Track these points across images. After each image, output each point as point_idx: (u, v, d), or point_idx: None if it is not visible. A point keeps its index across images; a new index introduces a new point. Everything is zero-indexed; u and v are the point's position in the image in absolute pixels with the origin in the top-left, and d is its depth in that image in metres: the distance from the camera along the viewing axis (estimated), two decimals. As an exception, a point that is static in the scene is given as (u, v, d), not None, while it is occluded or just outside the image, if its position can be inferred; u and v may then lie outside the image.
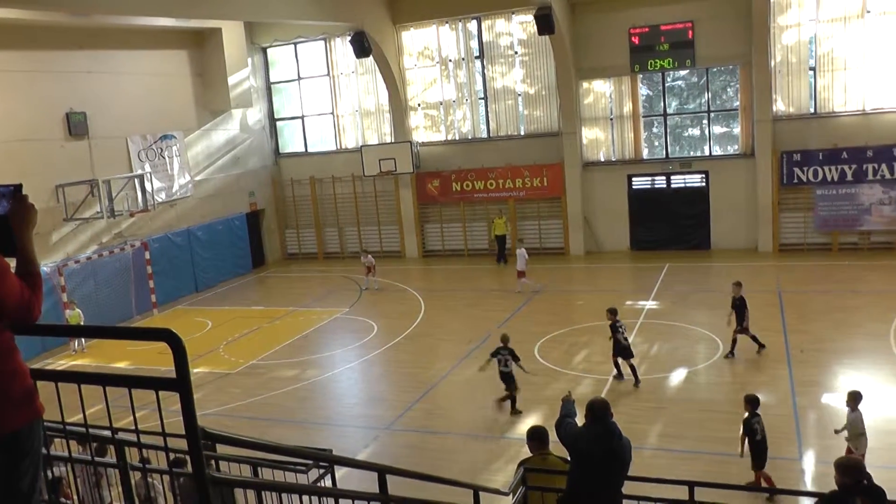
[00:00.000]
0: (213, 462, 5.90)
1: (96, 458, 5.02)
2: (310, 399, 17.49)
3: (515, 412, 15.39)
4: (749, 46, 26.86)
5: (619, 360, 16.66)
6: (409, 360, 19.69)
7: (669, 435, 14.02)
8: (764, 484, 11.45)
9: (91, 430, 3.90)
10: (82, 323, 22.10)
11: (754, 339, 17.44)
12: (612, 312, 16.74)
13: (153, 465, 6.58)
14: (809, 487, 11.65)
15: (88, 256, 24.76)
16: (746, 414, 11.52)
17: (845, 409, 13.27)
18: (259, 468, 7.00)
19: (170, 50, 29.01)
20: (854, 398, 11.40)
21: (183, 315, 25.98)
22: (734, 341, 17.39)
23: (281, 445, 4.82)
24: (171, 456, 4.19)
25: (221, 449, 6.26)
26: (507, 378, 15.52)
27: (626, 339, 16.65)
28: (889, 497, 6.97)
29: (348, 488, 6.86)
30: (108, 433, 4.39)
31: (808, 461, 12.61)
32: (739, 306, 17.26)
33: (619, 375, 16.74)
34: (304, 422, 16.07)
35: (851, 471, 6.73)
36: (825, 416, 14.22)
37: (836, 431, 11.72)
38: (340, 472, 8.65)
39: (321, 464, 7.16)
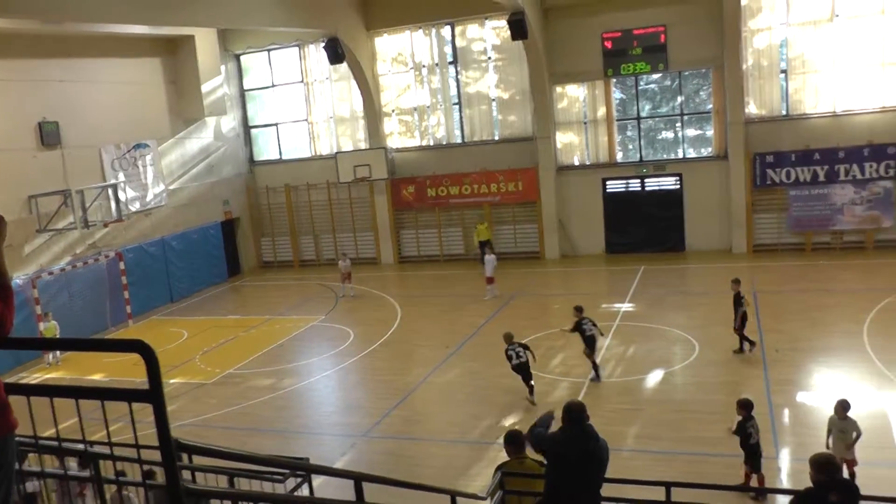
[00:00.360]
0: (189, 473, 5.87)
1: (69, 472, 4.98)
2: (287, 408, 17.41)
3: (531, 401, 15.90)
4: (721, 50, 27.08)
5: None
6: (386, 367, 19.66)
7: (646, 436, 14.08)
8: (754, 483, 11.61)
9: (64, 444, 3.88)
10: (58, 335, 21.95)
11: (742, 339, 17.63)
12: (579, 310, 17.26)
13: (128, 478, 6.54)
14: (786, 484, 11.76)
15: (62, 268, 24.53)
16: (741, 417, 11.62)
17: (819, 406, 13.50)
18: (235, 479, 6.97)
19: (143, 58, 28.84)
20: (843, 407, 11.41)
21: (158, 325, 25.82)
22: (741, 338, 17.60)
23: (256, 455, 4.81)
24: (145, 468, 4.18)
25: (197, 460, 6.24)
26: (524, 368, 15.98)
27: (592, 334, 16.97)
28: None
29: (325, 497, 6.85)
30: (81, 447, 4.36)
31: (784, 459, 12.71)
32: (735, 304, 17.50)
33: (597, 377, 16.89)
34: (281, 431, 16.01)
35: (826, 467, 6.81)
36: (801, 414, 14.40)
37: (828, 447, 11.30)
38: (318, 480, 8.63)
39: (298, 473, 7.15)
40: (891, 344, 17.27)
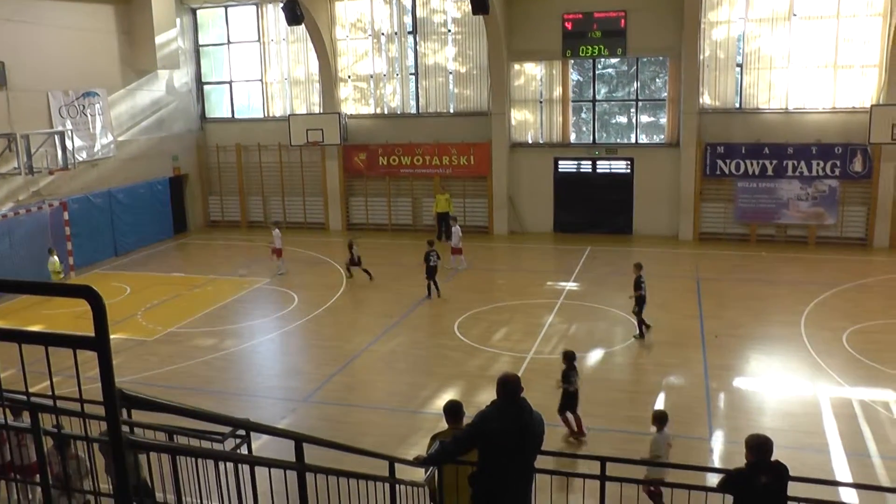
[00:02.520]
0: (126, 428, 5.79)
1: (10, 423, 4.88)
2: (227, 369, 17.30)
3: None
4: (679, 39, 27.30)
5: (431, 283, 21.57)
6: (329, 333, 19.61)
7: (583, 413, 14.22)
8: (574, 426, 13.06)
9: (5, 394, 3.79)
10: (61, 272, 23.27)
11: (640, 324, 18.11)
12: (430, 244, 22.05)
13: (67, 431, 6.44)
14: (717, 465, 12.01)
15: (4, 214, 23.89)
16: (564, 367, 13.11)
17: (755, 391, 13.86)
18: (174, 436, 6.91)
19: (95, 4, 28.07)
20: (658, 418, 10.79)
21: (101, 279, 25.35)
22: (640, 322, 18.11)
23: (199, 410, 4.77)
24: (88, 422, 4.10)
25: (136, 416, 6.17)
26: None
27: (435, 265, 21.56)
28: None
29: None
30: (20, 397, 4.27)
31: (717, 440, 12.99)
32: (635, 287, 17.88)
33: (429, 295, 21.38)
34: (221, 392, 15.90)
35: (759, 449, 6.95)
36: (735, 398, 14.72)
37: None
38: (256, 444, 8.61)
39: (238, 433, 7.12)
40: (826, 336, 17.73)
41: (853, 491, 10.39)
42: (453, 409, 8.24)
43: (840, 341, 17.37)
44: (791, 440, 11.90)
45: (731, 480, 7.11)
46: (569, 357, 13.14)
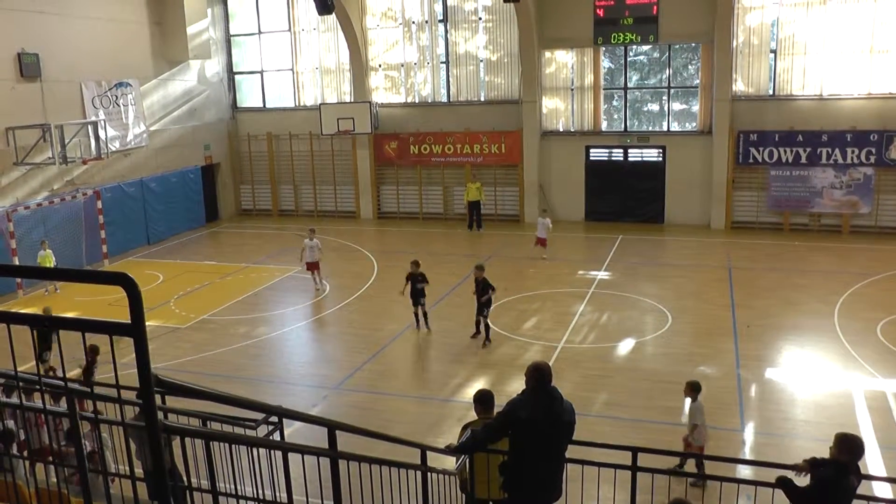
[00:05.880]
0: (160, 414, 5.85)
1: (49, 407, 4.95)
2: (259, 356, 17.41)
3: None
4: (712, 25, 27.01)
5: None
6: (361, 321, 19.69)
7: (615, 403, 14.23)
8: None
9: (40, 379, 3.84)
10: (53, 264, 22.20)
11: (481, 325, 17.49)
12: (415, 264, 18.74)
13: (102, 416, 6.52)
14: (748, 457, 11.92)
15: (39, 203, 24.21)
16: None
17: (785, 383, 13.75)
18: (208, 422, 6.97)
19: (127, -4, 28.33)
20: (692, 388, 11.34)
21: (134, 267, 25.59)
22: (477, 323, 17.55)
23: (232, 396, 4.82)
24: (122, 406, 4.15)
25: (170, 402, 6.24)
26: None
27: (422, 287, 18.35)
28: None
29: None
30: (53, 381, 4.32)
31: (749, 432, 12.88)
32: (484, 290, 17.25)
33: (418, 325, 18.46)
34: (253, 379, 16.01)
35: (853, 449, 6.54)
36: (767, 389, 14.59)
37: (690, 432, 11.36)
38: (288, 431, 8.67)
39: (270, 420, 7.18)
40: (859, 326, 17.52)
41: (887, 485, 10.28)
42: (483, 398, 8.25)
43: (874, 332, 17.17)
44: (823, 432, 11.74)
45: (823, 483, 6.46)
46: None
